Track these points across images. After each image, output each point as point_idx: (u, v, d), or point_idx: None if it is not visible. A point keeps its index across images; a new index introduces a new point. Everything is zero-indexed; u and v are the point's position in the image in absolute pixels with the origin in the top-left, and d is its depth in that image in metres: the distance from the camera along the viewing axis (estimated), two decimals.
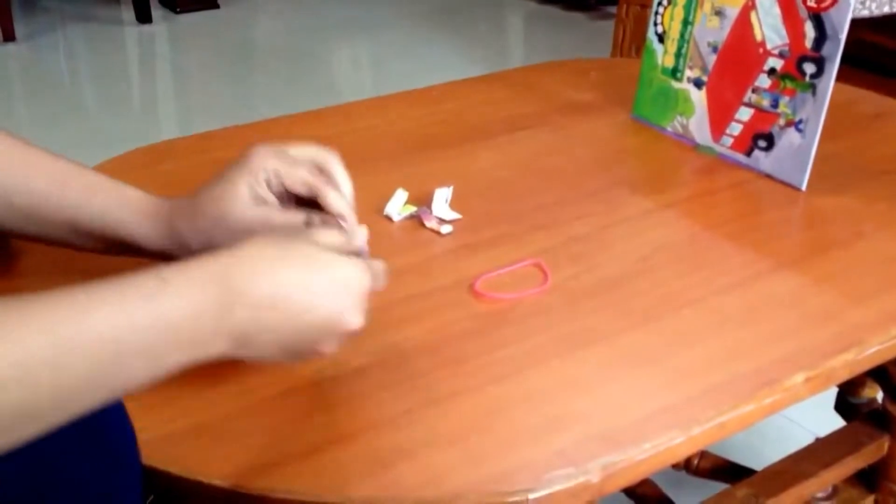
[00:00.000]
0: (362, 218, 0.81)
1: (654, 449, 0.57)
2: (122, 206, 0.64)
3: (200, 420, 0.58)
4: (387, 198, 0.82)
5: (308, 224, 0.63)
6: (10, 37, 2.96)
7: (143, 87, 2.85)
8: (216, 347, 0.50)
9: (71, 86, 2.79)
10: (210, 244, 0.59)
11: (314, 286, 0.53)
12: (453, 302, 0.70)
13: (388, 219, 0.81)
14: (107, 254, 0.66)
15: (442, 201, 0.82)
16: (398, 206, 0.82)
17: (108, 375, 0.45)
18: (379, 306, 0.69)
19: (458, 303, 0.70)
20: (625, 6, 2.26)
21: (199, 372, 0.59)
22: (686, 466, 1.04)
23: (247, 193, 0.62)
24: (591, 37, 3.00)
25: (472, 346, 0.65)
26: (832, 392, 1.10)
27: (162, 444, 0.55)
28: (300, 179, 0.62)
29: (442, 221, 0.81)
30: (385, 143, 0.97)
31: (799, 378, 0.63)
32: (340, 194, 0.63)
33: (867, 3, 1.79)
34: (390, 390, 0.61)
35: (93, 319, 0.44)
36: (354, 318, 0.55)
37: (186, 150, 0.96)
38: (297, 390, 0.60)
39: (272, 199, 0.63)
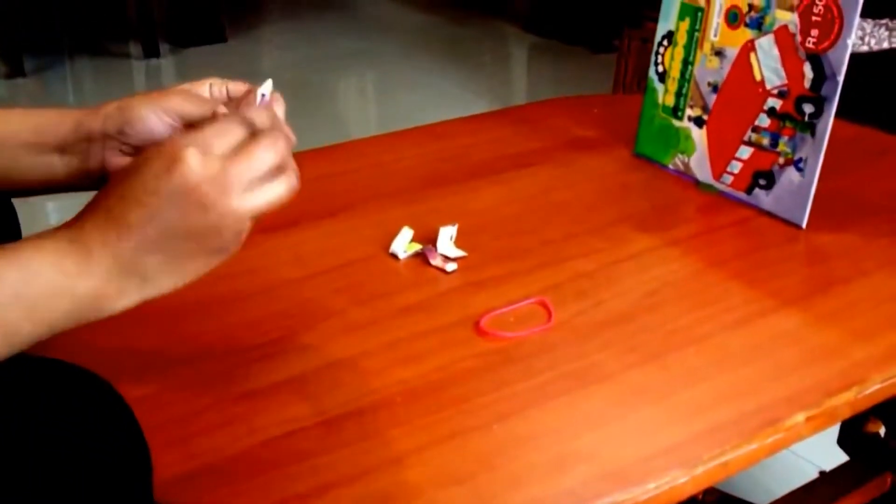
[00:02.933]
0: (368, 256, 0.83)
1: (657, 489, 0.57)
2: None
3: (209, 461, 0.58)
4: (393, 235, 0.83)
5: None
6: (19, 71, 3.00)
7: None
8: (97, 284, 0.49)
9: None
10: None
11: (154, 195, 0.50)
12: (459, 340, 0.71)
13: (394, 257, 0.83)
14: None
15: (447, 239, 0.83)
16: (404, 243, 0.83)
17: None
18: (385, 344, 0.71)
19: (463, 341, 0.71)
20: (626, 40, 2.29)
21: (208, 414, 0.60)
22: (692, 501, 1.04)
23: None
24: (594, 70, 3.03)
25: (478, 384, 0.66)
26: (838, 425, 1.10)
27: (171, 485, 0.56)
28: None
29: (447, 259, 0.82)
30: (391, 181, 0.99)
31: (800, 417, 0.63)
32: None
33: (866, 40, 1.81)
34: (397, 429, 0.61)
35: None
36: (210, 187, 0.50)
37: None
38: (304, 430, 0.61)
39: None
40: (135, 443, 0.53)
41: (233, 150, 0.52)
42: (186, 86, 0.68)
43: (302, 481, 0.57)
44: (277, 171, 0.53)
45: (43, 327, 0.49)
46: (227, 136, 0.52)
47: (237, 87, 0.68)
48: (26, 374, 0.51)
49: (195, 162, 0.49)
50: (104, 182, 0.56)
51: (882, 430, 1.01)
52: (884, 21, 1.86)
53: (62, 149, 0.66)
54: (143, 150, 0.56)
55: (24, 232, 0.69)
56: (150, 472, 0.53)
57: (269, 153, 0.52)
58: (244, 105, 0.59)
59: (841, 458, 1.06)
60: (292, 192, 0.53)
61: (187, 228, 0.50)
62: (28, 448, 0.49)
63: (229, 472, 0.58)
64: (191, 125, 0.62)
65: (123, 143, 0.65)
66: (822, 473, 1.02)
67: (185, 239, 0.51)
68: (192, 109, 0.64)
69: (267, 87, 0.61)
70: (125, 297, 0.51)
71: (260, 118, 0.54)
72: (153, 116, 0.64)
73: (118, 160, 0.65)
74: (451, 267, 0.81)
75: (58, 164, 0.66)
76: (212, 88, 0.68)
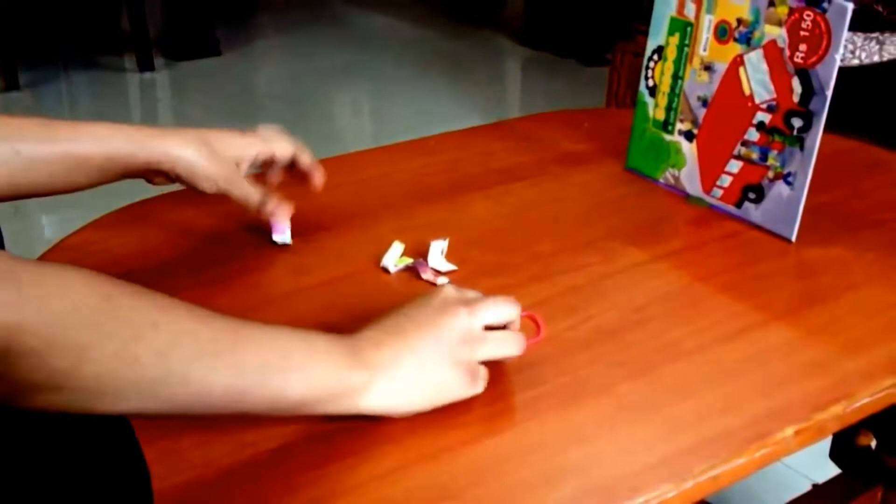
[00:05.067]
0: (359, 270, 0.83)
1: (647, 503, 0.57)
2: (116, 130, 0.75)
3: (200, 475, 0.58)
4: (383, 249, 0.84)
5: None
6: (14, 85, 3.00)
7: None
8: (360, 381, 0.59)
9: None
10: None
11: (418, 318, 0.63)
12: None
13: (385, 271, 0.83)
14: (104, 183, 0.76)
15: (438, 253, 0.84)
16: (394, 258, 0.83)
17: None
18: None
19: None
20: (618, 54, 2.30)
21: (199, 428, 0.60)
22: None
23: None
24: (586, 83, 3.04)
25: (468, 399, 0.66)
26: (829, 438, 1.11)
27: (162, 498, 0.56)
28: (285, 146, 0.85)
29: (438, 273, 0.82)
30: (382, 194, 0.99)
31: (789, 431, 0.63)
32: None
33: (857, 53, 1.82)
34: (386, 444, 0.61)
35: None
36: (466, 318, 0.63)
37: (190, 202, 0.98)
38: (293, 445, 0.61)
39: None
40: (133, 457, 0.53)
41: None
42: (238, 148, 0.81)
43: (293, 496, 0.57)
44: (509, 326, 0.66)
45: (306, 402, 0.57)
46: (472, 292, 0.67)
47: (283, 151, 0.86)
48: None
49: (452, 290, 0.65)
50: None
51: (873, 443, 1.01)
52: (874, 34, 1.87)
53: (126, 173, 0.76)
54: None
55: (19, 245, 0.69)
56: (150, 483, 0.53)
57: (510, 307, 0.66)
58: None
59: (833, 470, 1.06)
60: (521, 344, 0.66)
61: (441, 337, 0.62)
62: (27, 461, 0.49)
63: (220, 486, 0.58)
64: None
65: (171, 178, 0.78)
66: (814, 486, 1.02)
67: (437, 346, 0.61)
68: (239, 200, 0.82)
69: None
70: (377, 394, 0.59)
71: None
72: (208, 187, 0.78)
73: (160, 180, 0.79)
74: (441, 281, 0.81)
75: (114, 179, 0.76)
76: (258, 157, 0.83)
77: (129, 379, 0.48)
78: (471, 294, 0.65)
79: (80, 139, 0.73)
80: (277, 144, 0.84)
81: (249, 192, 0.81)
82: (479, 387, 0.64)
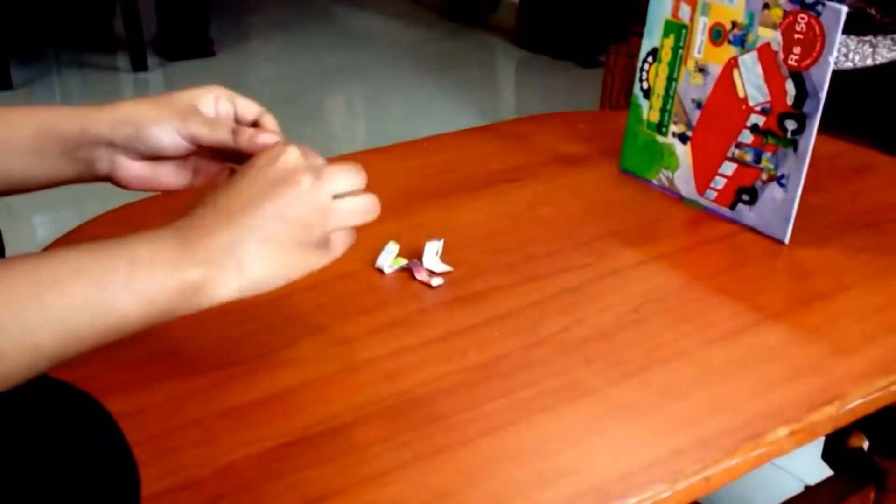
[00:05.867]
0: (354, 271, 0.83)
1: None
2: (49, 107, 0.67)
3: (192, 477, 0.58)
4: (378, 251, 0.84)
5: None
6: (7, 84, 2.99)
7: None
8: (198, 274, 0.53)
9: None
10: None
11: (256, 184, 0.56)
12: (443, 355, 0.71)
13: (380, 271, 0.83)
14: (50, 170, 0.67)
15: (433, 254, 0.84)
16: (389, 258, 0.83)
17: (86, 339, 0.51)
18: (369, 360, 0.71)
19: (447, 356, 0.71)
20: (613, 56, 2.30)
21: (191, 429, 0.60)
22: None
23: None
24: (581, 84, 3.05)
25: (462, 400, 0.66)
26: (821, 438, 1.11)
27: (153, 500, 0.56)
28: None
29: (432, 274, 0.82)
30: (377, 195, 0.99)
31: (782, 432, 0.64)
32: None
33: (850, 56, 1.83)
34: (380, 445, 0.61)
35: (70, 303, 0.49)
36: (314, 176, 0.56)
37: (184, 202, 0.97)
38: (286, 446, 0.61)
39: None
40: (123, 458, 0.53)
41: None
42: (191, 95, 0.67)
43: (284, 497, 0.57)
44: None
45: (151, 314, 0.52)
46: (318, 157, 0.59)
47: (246, 108, 0.67)
48: (11, 390, 0.51)
49: (296, 154, 0.57)
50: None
51: (865, 445, 1.01)
52: (867, 38, 1.88)
53: (67, 153, 0.65)
54: (152, 159, 0.65)
55: (11, 247, 0.69)
56: (138, 487, 0.53)
57: (357, 174, 0.60)
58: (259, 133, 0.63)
59: (826, 472, 1.06)
60: (376, 209, 0.61)
61: (284, 214, 0.55)
62: (16, 463, 0.49)
63: (212, 488, 0.58)
64: (203, 147, 0.65)
65: (128, 150, 0.65)
66: (807, 487, 1.03)
67: (282, 225, 0.54)
68: (207, 134, 0.64)
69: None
70: (224, 287, 0.53)
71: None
72: (166, 137, 0.64)
73: (126, 168, 0.66)
74: (436, 282, 0.81)
75: (66, 166, 0.66)
76: (218, 103, 0.67)
77: None
78: (316, 160, 0.58)
79: (10, 120, 0.66)
80: (240, 100, 0.68)
81: (216, 124, 0.65)
82: (333, 254, 0.58)
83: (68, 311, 0.49)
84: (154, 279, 0.51)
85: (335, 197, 0.57)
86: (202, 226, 0.54)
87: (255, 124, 0.66)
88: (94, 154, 0.65)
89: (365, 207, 0.60)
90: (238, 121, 0.67)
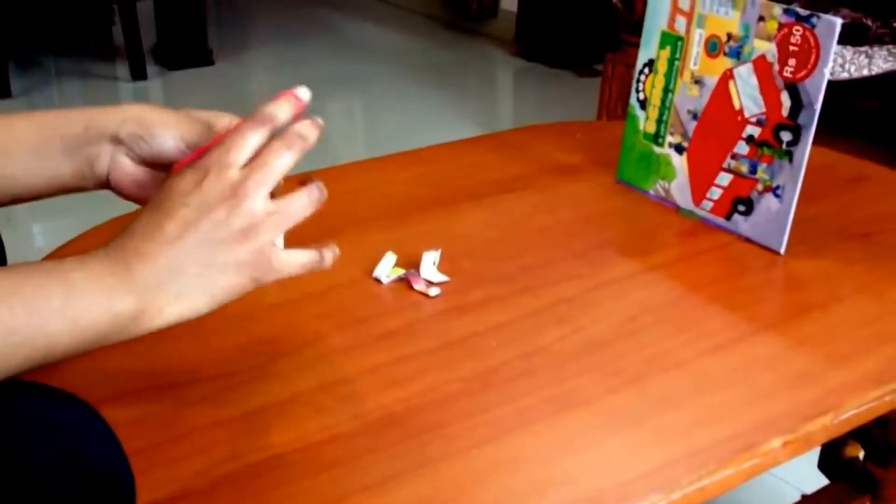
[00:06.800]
0: (351, 281, 0.83)
1: None
2: (52, 111, 0.66)
3: (191, 486, 0.59)
4: (376, 260, 0.84)
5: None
6: (6, 93, 3.00)
7: None
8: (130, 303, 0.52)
9: None
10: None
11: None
12: (440, 364, 0.72)
13: (377, 281, 0.83)
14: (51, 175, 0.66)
15: (430, 264, 0.84)
16: (387, 268, 0.84)
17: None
18: (367, 369, 0.71)
19: (444, 365, 0.72)
20: (610, 66, 2.31)
21: (190, 438, 0.60)
22: None
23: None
24: (579, 94, 3.05)
25: (459, 409, 0.66)
26: (818, 448, 1.11)
27: None
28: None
29: (430, 284, 0.82)
30: (375, 205, 0.99)
31: (777, 442, 0.64)
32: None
33: (846, 66, 1.84)
34: (377, 454, 0.62)
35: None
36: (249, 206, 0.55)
37: None
38: (284, 455, 0.61)
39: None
40: (119, 467, 0.53)
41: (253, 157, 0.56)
42: (209, 114, 0.67)
43: None
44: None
45: (82, 341, 0.51)
46: (245, 146, 0.57)
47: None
48: (7, 398, 0.51)
49: (214, 179, 0.55)
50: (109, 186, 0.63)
51: (861, 454, 1.02)
52: (863, 48, 1.89)
53: (69, 151, 0.64)
54: (147, 163, 0.64)
55: (10, 255, 0.69)
56: (134, 497, 0.53)
57: (283, 158, 0.57)
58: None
59: (822, 481, 1.06)
60: (312, 207, 0.60)
61: (217, 237, 0.54)
62: (10, 472, 0.49)
63: (210, 497, 0.58)
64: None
65: (130, 149, 0.64)
66: (803, 497, 1.03)
67: (216, 248, 0.54)
68: (206, 137, 0.63)
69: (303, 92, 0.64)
70: (160, 316, 0.53)
71: (282, 112, 0.60)
72: (170, 141, 0.63)
73: (125, 168, 0.65)
74: (433, 291, 0.82)
75: (66, 166, 0.65)
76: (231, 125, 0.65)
77: None
78: (231, 173, 0.55)
79: (10, 125, 0.65)
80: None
81: (217, 116, 0.66)
82: (277, 271, 0.58)
83: None
84: (89, 308, 0.51)
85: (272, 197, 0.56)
86: (139, 252, 0.53)
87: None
88: (96, 150, 0.64)
89: (298, 204, 0.59)
90: None
